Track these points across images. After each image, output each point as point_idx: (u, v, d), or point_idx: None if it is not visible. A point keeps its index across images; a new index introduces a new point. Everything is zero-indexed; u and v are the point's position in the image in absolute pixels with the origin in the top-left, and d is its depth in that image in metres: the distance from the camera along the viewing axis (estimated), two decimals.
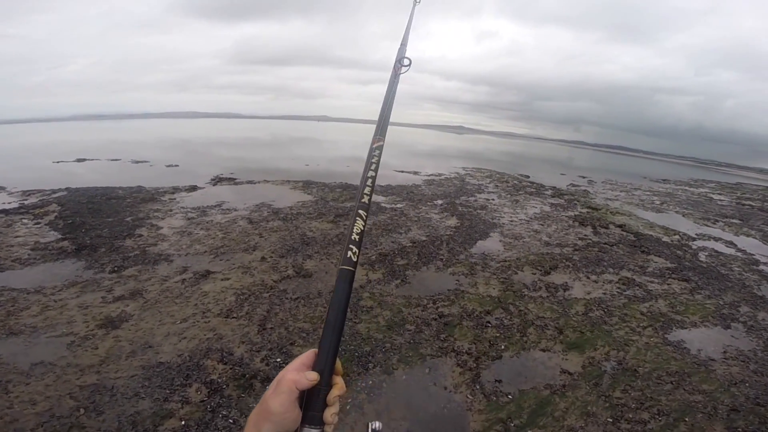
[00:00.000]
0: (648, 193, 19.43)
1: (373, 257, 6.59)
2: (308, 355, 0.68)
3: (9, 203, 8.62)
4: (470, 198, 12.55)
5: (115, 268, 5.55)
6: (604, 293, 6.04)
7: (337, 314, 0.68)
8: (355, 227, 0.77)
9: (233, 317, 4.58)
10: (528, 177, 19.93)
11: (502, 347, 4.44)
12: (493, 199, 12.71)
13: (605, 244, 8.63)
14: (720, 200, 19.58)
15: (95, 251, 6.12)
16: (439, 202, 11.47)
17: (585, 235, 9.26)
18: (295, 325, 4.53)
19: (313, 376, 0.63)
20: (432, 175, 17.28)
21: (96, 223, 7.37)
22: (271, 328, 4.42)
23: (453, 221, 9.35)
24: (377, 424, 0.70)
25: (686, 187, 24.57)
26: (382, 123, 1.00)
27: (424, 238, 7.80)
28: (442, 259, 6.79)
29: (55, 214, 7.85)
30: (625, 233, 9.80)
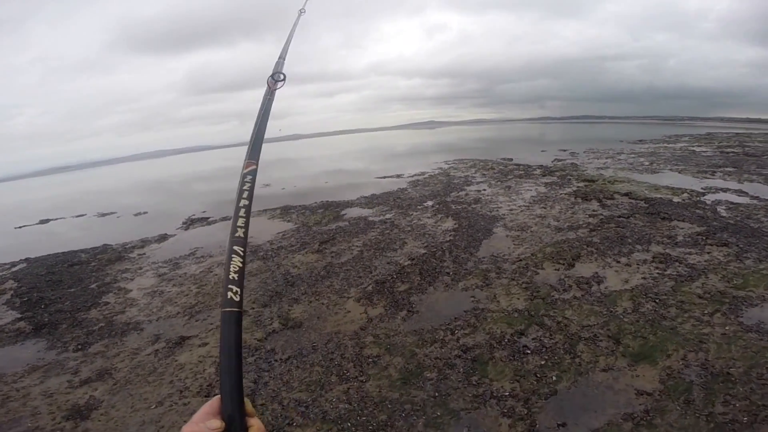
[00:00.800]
0: (633, 155, 19.07)
1: (369, 287, 5.52)
2: (212, 403, 0.62)
3: None
4: (461, 192, 11.65)
5: (79, 346, 4.92)
6: (645, 278, 5.14)
7: (230, 358, 0.63)
8: (231, 266, 0.69)
9: (215, 395, 3.50)
10: (511, 160, 19.30)
11: (553, 378, 3.48)
12: (484, 190, 11.86)
13: (619, 217, 7.81)
14: (703, 152, 19.36)
15: (56, 328, 5.48)
16: (430, 203, 10.52)
17: (594, 211, 8.44)
18: (290, 397, 3.59)
19: (216, 424, 0.58)
20: (415, 175, 16.40)
21: (56, 297, 6.66)
22: (262, 404, 3.53)
23: (450, 223, 8.37)
24: None
25: (665, 144, 24.49)
26: (255, 144, 0.92)
27: (423, 251, 6.78)
28: (448, 273, 5.78)
29: (12, 291, 7.10)
30: (634, 201, 9.05)
